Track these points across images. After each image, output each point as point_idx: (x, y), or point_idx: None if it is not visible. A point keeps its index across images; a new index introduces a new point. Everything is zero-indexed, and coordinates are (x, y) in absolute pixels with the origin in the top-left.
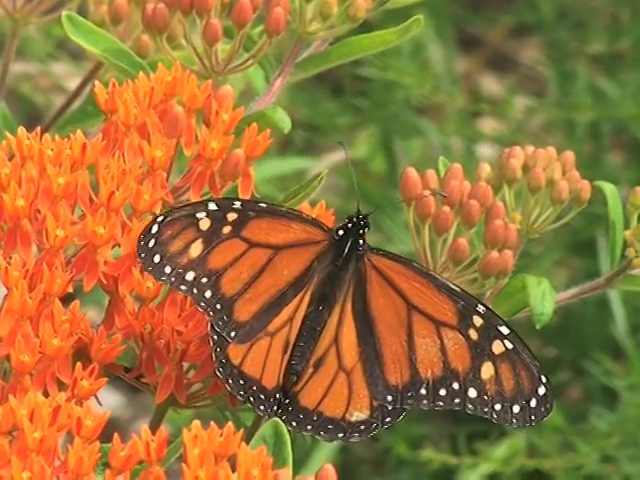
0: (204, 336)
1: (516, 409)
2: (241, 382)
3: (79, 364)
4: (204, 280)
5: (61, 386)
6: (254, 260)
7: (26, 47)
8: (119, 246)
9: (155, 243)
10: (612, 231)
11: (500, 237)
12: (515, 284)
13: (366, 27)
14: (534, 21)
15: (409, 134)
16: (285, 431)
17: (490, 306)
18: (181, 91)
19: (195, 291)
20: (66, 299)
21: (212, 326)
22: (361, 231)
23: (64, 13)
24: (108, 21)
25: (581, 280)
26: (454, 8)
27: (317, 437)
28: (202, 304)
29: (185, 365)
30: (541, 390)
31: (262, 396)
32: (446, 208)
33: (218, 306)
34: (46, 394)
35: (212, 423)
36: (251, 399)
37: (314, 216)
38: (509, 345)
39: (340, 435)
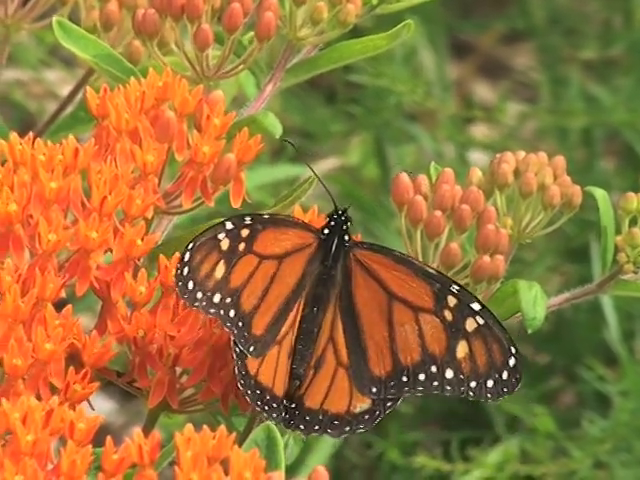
0: (197, 341)
1: (490, 384)
2: (258, 392)
3: (72, 368)
4: (228, 300)
5: (54, 390)
6: (264, 273)
7: (18, 54)
8: (111, 251)
9: (189, 270)
10: (604, 236)
11: (491, 242)
12: (507, 289)
13: (357, 33)
14: (526, 27)
15: (401, 140)
16: (277, 435)
17: None
18: (172, 96)
19: (222, 313)
20: (59, 304)
21: (234, 341)
22: (344, 227)
23: (55, 19)
24: (100, 27)
25: (574, 286)
26: (446, 14)
27: (325, 435)
28: (228, 324)
29: (178, 370)
30: (511, 361)
31: (274, 404)
32: (438, 213)
33: (240, 324)
34: (39, 398)
35: (204, 426)
36: (266, 408)
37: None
38: (481, 321)
39: (347, 429)
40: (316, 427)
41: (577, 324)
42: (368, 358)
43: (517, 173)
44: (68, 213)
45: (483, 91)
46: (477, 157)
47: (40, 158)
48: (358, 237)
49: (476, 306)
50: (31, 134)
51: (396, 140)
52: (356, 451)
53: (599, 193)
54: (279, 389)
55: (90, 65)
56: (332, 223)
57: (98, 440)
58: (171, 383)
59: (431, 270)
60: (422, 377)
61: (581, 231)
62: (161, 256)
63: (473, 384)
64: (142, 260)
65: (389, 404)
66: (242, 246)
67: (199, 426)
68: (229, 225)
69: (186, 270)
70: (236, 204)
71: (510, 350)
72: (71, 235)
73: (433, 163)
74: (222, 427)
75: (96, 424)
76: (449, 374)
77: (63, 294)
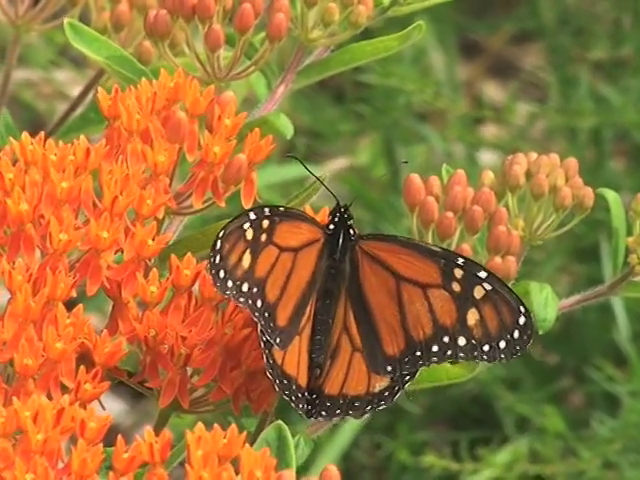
0: (208, 341)
1: (502, 345)
2: (285, 382)
3: (82, 368)
4: (255, 290)
5: (64, 390)
6: (284, 264)
7: (28, 54)
8: (122, 251)
9: (220, 258)
10: (615, 238)
11: (503, 243)
12: (518, 290)
13: (367, 34)
14: (536, 27)
15: (411, 141)
16: (288, 435)
17: None
18: (183, 97)
19: (250, 302)
20: (69, 304)
21: (261, 331)
22: (348, 222)
23: (66, 21)
24: (110, 28)
25: (583, 286)
26: (456, 14)
27: (347, 418)
28: (256, 314)
29: (189, 370)
30: (521, 320)
31: (299, 394)
32: (449, 214)
33: (266, 314)
34: (50, 398)
35: (215, 425)
36: (293, 398)
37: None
38: (488, 287)
39: (368, 408)
40: (337, 411)
41: (587, 324)
42: (381, 340)
43: (529, 175)
44: (79, 213)
45: (493, 91)
46: (487, 157)
47: (51, 158)
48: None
49: (482, 274)
50: (42, 134)
51: (405, 140)
52: (365, 452)
53: (611, 195)
54: (302, 379)
55: (102, 66)
56: (336, 219)
57: (108, 440)
58: (182, 383)
59: (435, 248)
60: (435, 348)
61: (590, 231)
62: (172, 256)
63: (486, 348)
64: (153, 260)
65: (407, 378)
66: (264, 237)
67: (210, 427)
68: (252, 215)
69: (218, 258)
70: (247, 204)
71: (519, 309)
72: (82, 235)
73: (445, 165)
74: (233, 426)
75: (107, 423)
76: (462, 342)
77: (74, 294)
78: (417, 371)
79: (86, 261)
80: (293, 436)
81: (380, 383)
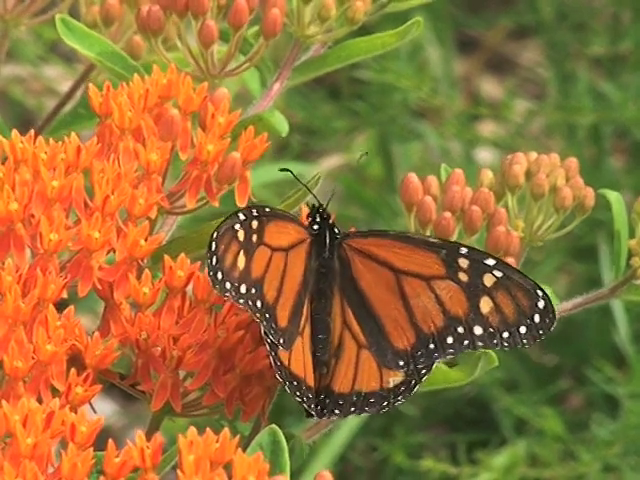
0: (201, 344)
1: (523, 330)
2: (295, 383)
3: (73, 370)
4: (253, 291)
5: (55, 393)
6: (277, 265)
7: (17, 49)
8: (114, 251)
9: (217, 260)
10: (617, 240)
11: (502, 244)
12: None
13: (364, 30)
14: (534, 22)
15: (407, 138)
16: (282, 438)
17: None
18: (176, 94)
19: (250, 303)
20: (60, 305)
21: (265, 332)
22: (330, 221)
23: (58, 16)
24: (100, 22)
25: (582, 286)
26: (452, 10)
27: (363, 414)
28: (257, 315)
29: (182, 373)
30: (541, 304)
31: (310, 394)
32: (447, 214)
33: (267, 315)
34: (40, 400)
35: (208, 429)
36: (304, 399)
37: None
38: (498, 274)
39: (385, 404)
40: (352, 409)
41: (586, 325)
42: (387, 335)
43: (529, 174)
44: (70, 212)
45: (490, 88)
46: (484, 155)
47: (42, 156)
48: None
49: (490, 261)
50: (32, 132)
51: (402, 137)
52: (361, 454)
53: (613, 196)
54: (310, 379)
55: (93, 63)
56: (318, 219)
57: (99, 443)
58: (174, 386)
59: (432, 239)
60: (450, 340)
61: (590, 230)
62: (166, 257)
63: (506, 335)
64: (146, 261)
65: (423, 372)
66: (255, 237)
67: (203, 430)
68: (241, 216)
69: (214, 260)
70: (242, 203)
71: (537, 293)
72: (73, 235)
73: (443, 165)
74: (225, 430)
75: (97, 427)
76: (478, 331)
77: (65, 295)
78: (433, 364)
79: (77, 261)
80: (288, 440)
81: (394, 378)
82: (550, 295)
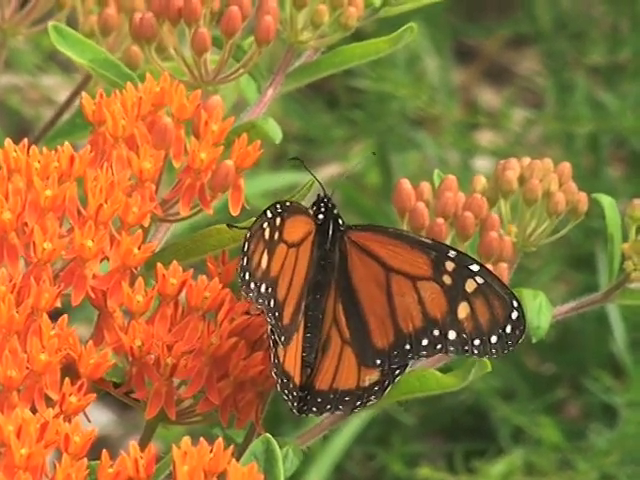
0: (195, 351)
1: (494, 339)
2: (285, 381)
3: (67, 380)
4: (270, 290)
5: (49, 402)
6: (290, 261)
7: (15, 59)
8: (108, 260)
9: (247, 261)
10: (610, 244)
11: (495, 249)
12: None
13: (360, 37)
14: (532, 31)
15: (405, 147)
16: (276, 447)
17: None
18: (170, 101)
19: (266, 303)
20: (54, 314)
21: (271, 330)
22: (335, 211)
23: (50, 23)
24: (98, 32)
25: (580, 295)
26: (450, 18)
27: (336, 412)
28: (269, 314)
29: (176, 381)
30: (514, 314)
31: (295, 393)
32: (440, 220)
33: (276, 313)
34: (34, 410)
35: (202, 439)
36: (290, 397)
37: None
38: (480, 280)
39: (358, 403)
40: (328, 407)
41: (583, 334)
42: (370, 332)
43: (522, 180)
44: (64, 221)
45: (488, 96)
46: (482, 164)
47: (35, 165)
48: None
49: (474, 267)
50: (26, 141)
51: (399, 146)
52: (358, 463)
53: (606, 200)
54: (297, 377)
55: (87, 70)
56: (323, 209)
57: (95, 452)
58: (169, 394)
59: (426, 240)
60: (425, 342)
61: (586, 238)
62: (159, 265)
63: (477, 342)
64: (139, 269)
65: (397, 372)
66: (277, 235)
67: (197, 437)
68: (269, 213)
69: (245, 260)
70: (235, 211)
71: (512, 304)
72: (66, 244)
73: (437, 171)
74: (219, 440)
75: (92, 437)
76: (452, 335)
77: (58, 304)
78: (407, 365)
79: (71, 270)
80: (282, 447)
81: (370, 377)
82: (545, 303)
